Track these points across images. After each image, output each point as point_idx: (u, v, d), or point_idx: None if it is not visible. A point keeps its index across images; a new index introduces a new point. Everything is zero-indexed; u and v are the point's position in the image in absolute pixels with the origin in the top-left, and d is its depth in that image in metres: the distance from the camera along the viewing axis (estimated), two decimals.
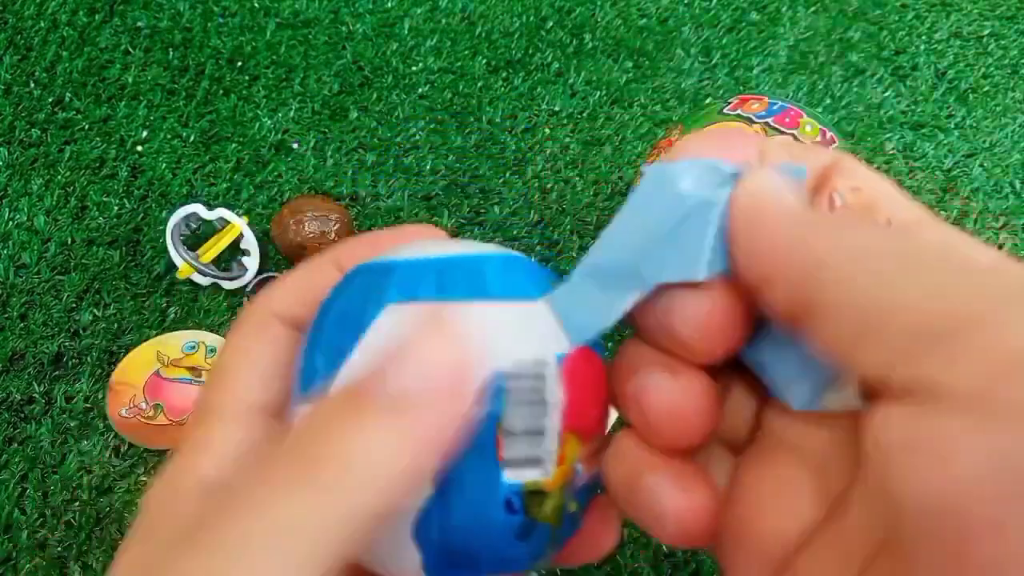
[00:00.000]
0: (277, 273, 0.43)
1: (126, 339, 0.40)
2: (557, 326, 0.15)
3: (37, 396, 0.39)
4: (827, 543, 0.13)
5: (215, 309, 0.42)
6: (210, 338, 0.40)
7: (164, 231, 0.42)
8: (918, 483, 0.10)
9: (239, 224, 0.42)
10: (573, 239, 0.44)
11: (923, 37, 0.52)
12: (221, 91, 0.49)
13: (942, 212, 0.45)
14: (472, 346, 0.13)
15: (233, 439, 0.16)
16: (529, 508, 0.14)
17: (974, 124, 0.48)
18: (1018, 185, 0.46)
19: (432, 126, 0.48)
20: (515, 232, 0.44)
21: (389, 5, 0.53)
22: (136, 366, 0.39)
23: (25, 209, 0.44)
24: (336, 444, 0.13)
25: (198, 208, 0.42)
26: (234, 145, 0.47)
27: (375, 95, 0.49)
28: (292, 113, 0.48)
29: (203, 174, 0.46)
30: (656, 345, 0.14)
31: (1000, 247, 0.44)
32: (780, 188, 0.13)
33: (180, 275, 0.41)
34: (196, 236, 0.43)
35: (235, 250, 0.42)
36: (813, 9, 0.54)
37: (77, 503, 0.36)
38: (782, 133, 0.36)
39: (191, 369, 0.39)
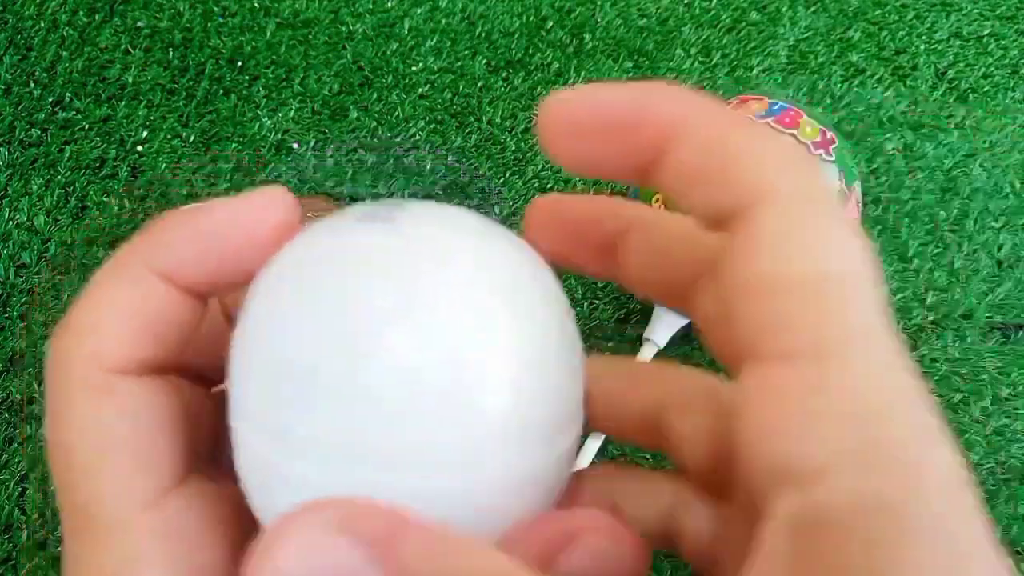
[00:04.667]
0: None
1: None
2: None
3: (37, 396, 0.39)
4: None
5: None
6: None
7: None
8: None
9: None
10: None
11: (923, 37, 0.52)
12: (221, 91, 0.49)
13: (942, 212, 0.45)
14: None
15: (124, 555, 0.13)
16: None
17: (974, 124, 0.48)
18: (1018, 185, 0.46)
19: (432, 126, 0.48)
20: (515, 232, 0.44)
21: (389, 5, 0.53)
22: None
23: (25, 209, 0.44)
24: None
25: None
26: (234, 145, 0.47)
27: (375, 95, 0.49)
28: (292, 113, 0.48)
29: (203, 174, 0.46)
30: None
31: (1000, 247, 0.44)
32: None
33: None
34: None
35: None
36: (813, 9, 0.54)
37: None
38: (782, 134, 0.36)
39: None
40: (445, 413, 0.13)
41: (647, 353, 0.39)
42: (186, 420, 0.15)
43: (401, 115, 0.48)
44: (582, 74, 0.50)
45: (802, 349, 0.11)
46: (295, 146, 0.47)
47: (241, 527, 0.15)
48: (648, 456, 0.37)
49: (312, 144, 0.47)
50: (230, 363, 0.14)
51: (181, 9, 0.52)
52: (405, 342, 0.13)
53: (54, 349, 0.14)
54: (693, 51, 0.51)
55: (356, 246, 0.14)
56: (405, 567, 0.11)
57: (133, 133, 0.47)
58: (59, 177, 0.45)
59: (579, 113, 0.14)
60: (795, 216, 0.12)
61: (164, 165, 0.46)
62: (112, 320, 0.14)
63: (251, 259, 0.14)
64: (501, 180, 0.46)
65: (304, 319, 0.13)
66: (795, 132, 0.37)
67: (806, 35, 0.52)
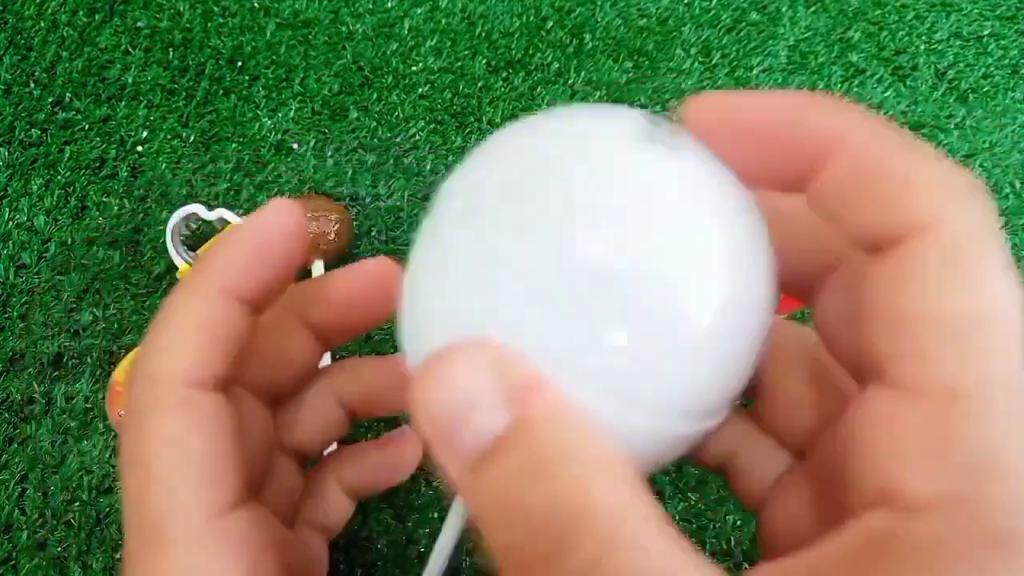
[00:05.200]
0: None
1: (126, 339, 0.40)
2: None
3: (37, 396, 0.39)
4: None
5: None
6: None
7: (164, 231, 0.42)
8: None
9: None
10: None
11: (923, 37, 0.52)
12: (221, 91, 0.49)
13: None
14: None
15: (195, 566, 0.14)
16: None
17: (974, 124, 0.48)
18: (1018, 185, 0.46)
19: (432, 126, 0.48)
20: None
21: (389, 5, 0.53)
22: None
23: (25, 209, 0.44)
24: None
25: (198, 208, 0.42)
26: (234, 145, 0.47)
27: (375, 95, 0.49)
28: (292, 113, 0.48)
29: (203, 174, 0.46)
30: None
31: None
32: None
33: (180, 275, 0.41)
34: (196, 236, 0.43)
35: None
36: (813, 9, 0.54)
37: (77, 503, 0.36)
38: None
39: None
40: (641, 313, 0.13)
41: None
42: (245, 437, 0.16)
43: (401, 115, 0.48)
44: (582, 74, 0.50)
45: (936, 387, 0.11)
46: (295, 146, 0.47)
47: (287, 551, 0.16)
48: None
49: (312, 144, 0.47)
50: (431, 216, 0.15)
51: (181, 9, 0.52)
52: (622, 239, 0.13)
53: (136, 367, 0.15)
54: (693, 51, 0.51)
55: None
56: (529, 418, 0.12)
57: (133, 133, 0.47)
58: (59, 177, 0.45)
59: (735, 117, 0.14)
60: (951, 251, 0.12)
61: (164, 165, 0.46)
62: (189, 337, 0.15)
63: (288, 263, 0.16)
64: None
65: (534, 184, 0.13)
66: None
67: (806, 35, 0.52)
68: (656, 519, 0.12)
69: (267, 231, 0.16)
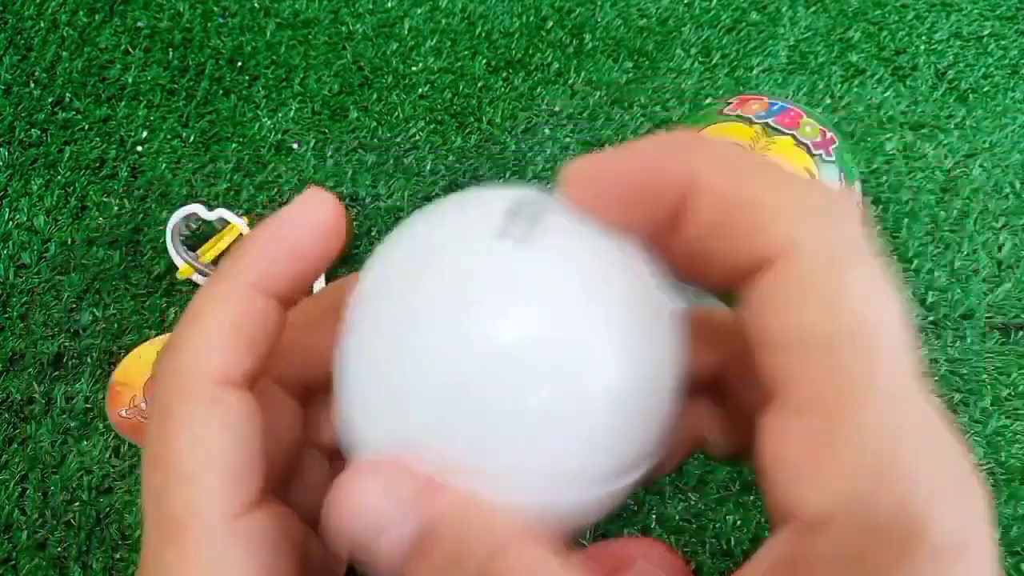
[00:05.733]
0: None
1: (126, 339, 0.40)
2: None
3: (37, 396, 0.39)
4: None
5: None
6: None
7: (164, 231, 0.42)
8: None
9: (239, 225, 0.42)
10: None
11: (923, 37, 0.52)
12: (221, 91, 0.49)
13: (942, 212, 0.45)
14: None
15: (215, 562, 0.14)
16: None
17: (974, 124, 0.48)
18: (1018, 185, 0.46)
19: (432, 126, 0.48)
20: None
21: (389, 5, 0.53)
22: (136, 366, 0.39)
23: (25, 209, 0.44)
24: None
25: (198, 208, 0.42)
26: (234, 145, 0.47)
27: (375, 95, 0.49)
28: (292, 113, 0.48)
29: (203, 174, 0.46)
30: None
31: (1000, 247, 0.44)
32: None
33: (180, 275, 0.41)
34: (196, 236, 0.43)
35: None
36: (813, 9, 0.54)
37: (77, 503, 0.36)
38: (782, 134, 0.36)
39: None
40: (543, 398, 0.13)
41: None
42: (273, 433, 0.16)
43: (401, 115, 0.48)
44: (582, 74, 0.50)
45: (814, 402, 0.12)
46: (295, 146, 0.47)
47: (306, 548, 0.16)
48: None
49: (312, 144, 0.47)
50: (348, 317, 0.15)
51: (181, 9, 0.52)
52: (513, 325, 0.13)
53: (163, 362, 0.15)
54: (693, 51, 0.51)
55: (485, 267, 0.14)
56: (433, 519, 0.13)
57: (133, 133, 0.47)
58: (59, 177, 0.45)
59: (600, 177, 0.14)
60: (815, 270, 0.12)
61: (164, 165, 0.46)
62: (218, 333, 0.15)
63: (320, 257, 0.16)
64: (501, 180, 0.46)
65: (421, 299, 0.14)
66: (795, 132, 0.37)
67: (806, 35, 0.52)
68: (572, 570, 0.12)
69: (300, 224, 0.16)
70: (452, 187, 0.46)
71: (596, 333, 0.13)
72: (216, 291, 0.16)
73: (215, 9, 0.52)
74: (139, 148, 0.47)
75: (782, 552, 0.12)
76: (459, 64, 0.51)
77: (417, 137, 0.48)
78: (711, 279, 0.14)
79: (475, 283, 0.14)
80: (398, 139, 0.47)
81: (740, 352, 0.16)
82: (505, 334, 0.13)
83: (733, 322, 0.17)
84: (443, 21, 0.52)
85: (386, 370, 0.14)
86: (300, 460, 0.18)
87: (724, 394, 0.17)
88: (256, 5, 0.52)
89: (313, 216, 0.16)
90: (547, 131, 0.48)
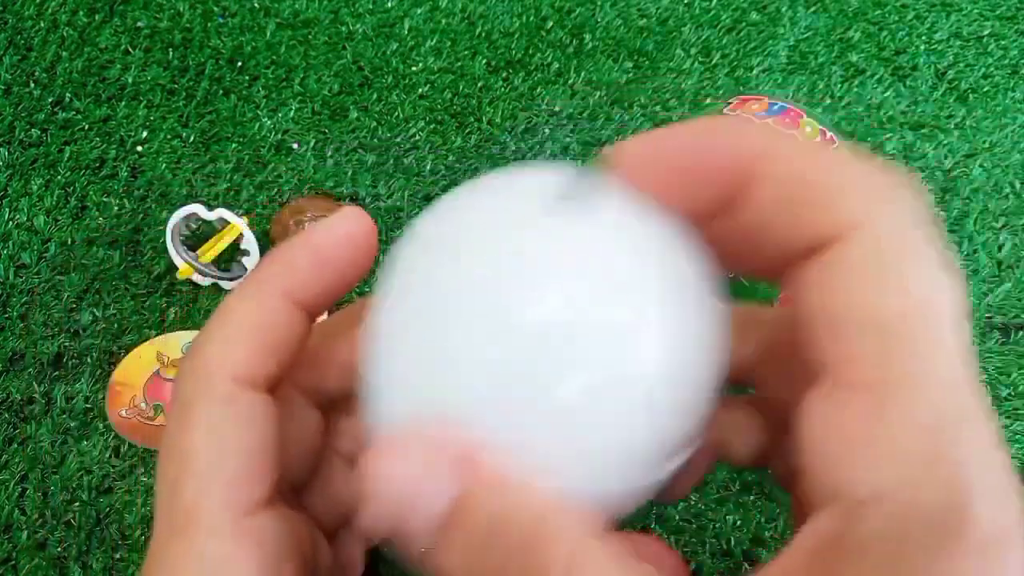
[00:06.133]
0: None
1: (126, 339, 0.40)
2: None
3: (37, 396, 0.39)
4: None
5: (215, 310, 0.42)
6: None
7: (164, 231, 0.42)
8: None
9: (239, 224, 0.42)
10: None
11: (923, 37, 0.52)
12: (221, 91, 0.49)
13: (942, 212, 0.45)
14: None
15: (219, 556, 0.14)
16: None
17: (974, 124, 0.48)
18: (1018, 185, 0.46)
19: (432, 126, 0.48)
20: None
21: (389, 5, 0.53)
22: (136, 366, 0.39)
23: (25, 209, 0.44)
24: None
25: (198, 208, 0.42)
26: (234, 145, 0.47)
27: (375, 95, 0.49)
28: (292, 113, 0.48)
29: (203, 174, 0.46)
30: None
31: (1000, 247, 0.44)
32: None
33: (180, 275, 0.41)
34: (196, 236, 0.43)
35: (235, 250, 0.42)
36: (813, 9, 0.54)
37: (77, 503, 0.36)
38: None
39: None
40: (584, 373, 0.13)
41: None
42: (291, 439, 0.16)
43: (401, 115, 0.48)
44: (582, 74, 0.50)
45: (867, 383, 0.12)
46: (295, 146, 0.47)
47: (314, 555, 0.16)
48: None
49: (312, 144, 0.47)
50: (381, 295, 0.15)
51: (181, 9, 0.52)
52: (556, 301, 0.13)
53: (187, 359, 0.15)
54: (693, 51, 0.51)
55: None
56: (471, 491, 0.13)
57: (133, 133, 0.47)
58: (59, 177, 0.45)
59: (657, 155, 0.14)
60: (875, 252, 0.12)
61: (164, 165, 0.46)
62: (242, 336, 0.15)
63: (350, 272, 0.17)
64: None
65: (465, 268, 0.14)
66: (795, 132, 0.37)
67: (806, 35, 0.52)
68: (611, 553, 0.12)
69: (333, 238, 0.16)
70: (452, 187, 0.46)
71: (645, 314, 0.13)
72: (244, 295, 0.16)
73: (215, 9, 0.52)
74: (139, 148, 0.47)
75: (825, 533, 0.12)
76: (459, 64, 0.51)
77: (417, 137, 0.48)
78: (759, 263, 0.14)
79: (525, 259, 0.13)
80: (398, 139, 0.47)
81: (778, 345, 0.16)
82: (553, 312, 0.13)
83: (772, 316, 0.17)
84: (443, 21, 0.52)
85: (427, 342, 0.14)
86: (322, 469, 0.18)
87: (754, 393, 0.17)
88: (256, 5, 0.52)
89: (346, 231, 0.16)
90: (547, 131, 0.48)
